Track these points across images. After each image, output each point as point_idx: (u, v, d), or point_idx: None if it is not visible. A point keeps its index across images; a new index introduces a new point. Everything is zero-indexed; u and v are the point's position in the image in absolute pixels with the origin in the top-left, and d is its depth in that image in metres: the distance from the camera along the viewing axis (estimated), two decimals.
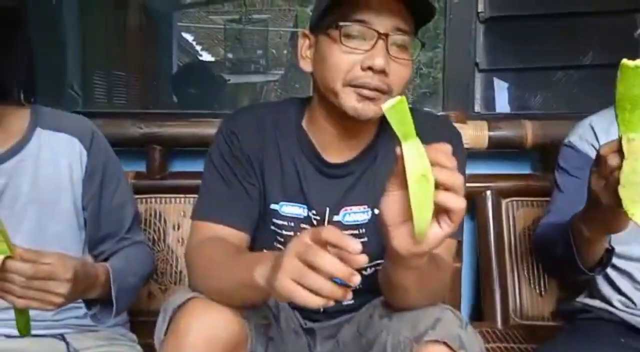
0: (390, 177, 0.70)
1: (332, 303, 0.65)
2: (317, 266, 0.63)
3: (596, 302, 1.11)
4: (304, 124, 1.02)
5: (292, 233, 1.01)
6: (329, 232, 0.64)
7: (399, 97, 0.64)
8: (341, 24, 0.88)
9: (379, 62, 0.86)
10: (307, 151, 1.01)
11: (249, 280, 0.77)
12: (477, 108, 1.60)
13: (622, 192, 0.71)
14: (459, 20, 1.57)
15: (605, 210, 0.81)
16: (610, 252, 0.98)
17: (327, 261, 0.63)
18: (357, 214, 1.01)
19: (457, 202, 0.64)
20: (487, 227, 1.51)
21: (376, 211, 0.98)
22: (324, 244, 0.65)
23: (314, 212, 1.00)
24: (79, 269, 0.86)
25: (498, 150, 1.51)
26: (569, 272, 1.08)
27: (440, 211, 0.65)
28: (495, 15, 1.56)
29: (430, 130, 0.95)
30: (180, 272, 1.53)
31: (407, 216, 0.67)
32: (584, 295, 1.16)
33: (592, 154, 1.03)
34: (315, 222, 1.00)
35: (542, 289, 1.48)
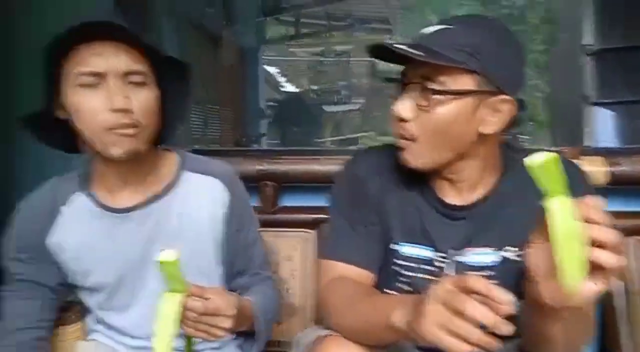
0: (535, 229, 0.71)
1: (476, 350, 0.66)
2: (466, 313, 0.64)
3: None
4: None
5: (413, 274, 1.03)
6: (476, 281, 0.66)
7: (551, 155, 0.65)
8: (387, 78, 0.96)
9: (396, 108, 0.92)
10: (428, 193, 1.03)
11: (387, 322, 0.81)
12: (587, 142, 1.57)
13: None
14: (566, 54, 1.57)
15: None
16: None
17: (477, 309, 0.65)
18: (483, 255, 1.01)
19: (612, 260, 0.64)
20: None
21: (505, 254, 1.00)
22: (468, 292, 0.67)
23: (438, 253, 1.02)
24: (237, 305, 0.94)
25: (615, 186, 1.47)
26: None
27: (595, 267, 0.65)
28: (603, 48, 1.54)
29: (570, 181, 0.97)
30: (292, 304, 1.58)
31: (556, 268, 0.66)
32: None
33: None
34: (438, 263, 1.02)
35: None
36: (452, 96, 0.89)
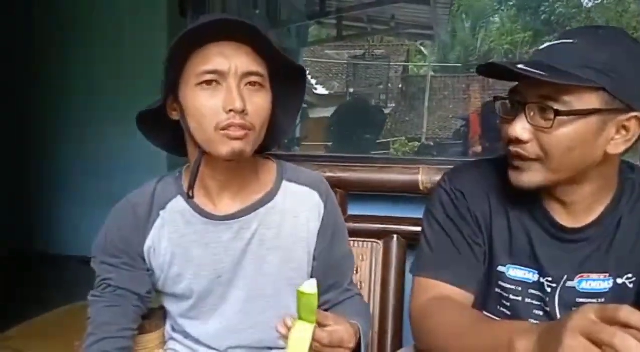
0: None
1: None
2: (616, 348, 0.57)
3: None
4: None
5: (519, 298, 0.99)
6: (629, 314, 0.59)
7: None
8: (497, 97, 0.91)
9: (512, 130, 0.87)
10: (539, 214, 0.97)
11: (506, 351, 0.73)
12: None
13: None
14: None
15: None
16: None
17: (628, 342, 0.57)
18: (595, 281, 0.96)
19: None
20: None
21: (619, 281, 0.95)
22: (614, 324, 0.60)
23: (547, 278, 0.97)
24: (355, 335, 0.92)
25: None
26: None
27: None
28: None
29: None
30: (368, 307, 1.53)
31: None
32: None
33: None
34: (547, 288, 0.97)
35: None
36: (577, 116, 0.83)
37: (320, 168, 1.59)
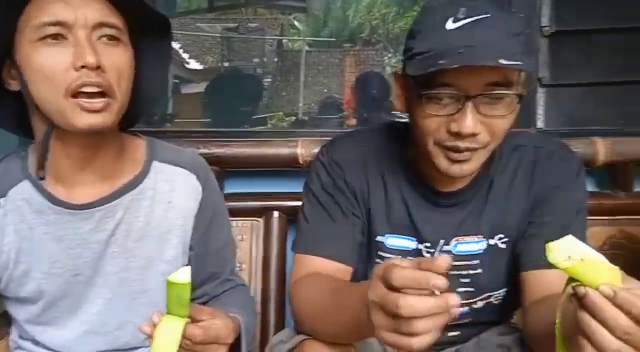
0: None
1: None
2: (402, 314, 0.55)
3: None
4: (409, 154, 0.97)
5: None
6: (401, 277, 0.55)
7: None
8: (424, 92, 0.81)
9: (467, 127, 0.80)
10: (415, 181, 0.97)
11: (364, 321, 0.66)
12: (540, 125, 1.56)
13: None
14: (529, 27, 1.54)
15: None
16: None
17: (411, 302, 0.55)
18: (470, 244, 0.97)
19: None
20: None
21: (492, 242, 0.97)
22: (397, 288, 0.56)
23: (426, 244, 0.97)
24: (235, 330, 0.83)
25: None
26: None
27: None
28: (560, 30, 1.53)
29: (544, 165, 0.95)
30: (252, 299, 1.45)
31: None
32: None
33: None
34: (426, 254, 0.97)
35: None
36: (519, 98, 0.82)
37: (194, 145, 1.46)
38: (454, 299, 0.55)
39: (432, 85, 0.80)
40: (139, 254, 0.93)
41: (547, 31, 1.53)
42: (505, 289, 0.99)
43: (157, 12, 0.89)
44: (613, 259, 1.53)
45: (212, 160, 1.45)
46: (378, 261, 0.99)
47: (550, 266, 0.75)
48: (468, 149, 0.83)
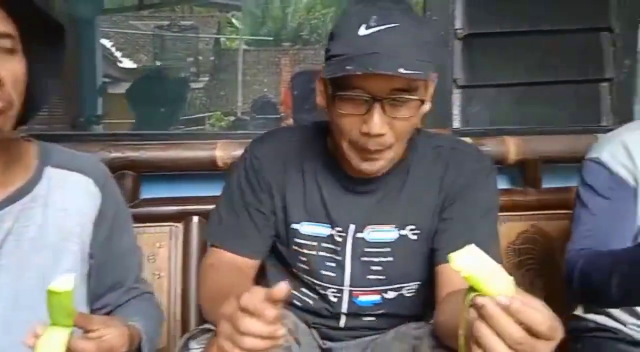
0: None
1: None
2: (241, 330, 0.66)
3: (609, 322, 1.11)
4: (328, 145, 1.04)
5: (314, 252, 1.03)
6: (247, 302, 0.66)
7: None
8: (337, 93, 0.87)
9: (374, 127, 0.86)
10: (332, 171, 1.02)
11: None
12: (455, 124, 1.61)
13: None
14: (438, 38, 1.57)
15: None
16: None
17: (248, 324, 0.65)
18: (383, 232, 1.01)
19: None
20: None
21: (403, 232, 1.01)
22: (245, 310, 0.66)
23: (338, 230, 1.01)
24: (130, 340, 0.80)
25: None
26: (623, 301, 1.00)
27: None
28: (473, 33, 1.58)
29: (456, 163, 1.01)
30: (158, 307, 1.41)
31: None
32: (593, 313, 1.15)
33: (627, 178, 1.05)
34: (339, 239, 1.01)
35: None
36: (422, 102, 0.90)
37: (105, 148, 1.40)
38: (280, 332, 0.66)
39: (344, 87, 0.86)
40: (32, 265, 0.87)
41: (461, 33, 1.57)
42: (417, 282, 1.03)
43: (52, 17, 0.85)
44: (525, 253, 1.60)
45: (126, 164, 1.41)
46: (294, 247, 1.04)
47: None
48: (377, 150, 0.89)
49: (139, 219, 1.42)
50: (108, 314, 0.96)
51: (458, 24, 1.57)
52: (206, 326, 0.95)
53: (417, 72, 0.81)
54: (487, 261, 0.58)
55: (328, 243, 1.02)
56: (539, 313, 0.53)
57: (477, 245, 0.86)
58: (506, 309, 0.54)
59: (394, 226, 1.00)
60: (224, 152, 1.43)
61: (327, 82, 0.91)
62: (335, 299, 1.04)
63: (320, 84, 0.95)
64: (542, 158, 1.53)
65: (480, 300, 0.56)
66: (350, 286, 1.02)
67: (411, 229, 1.01)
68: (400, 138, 0.91)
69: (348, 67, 0.82)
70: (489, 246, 0.91)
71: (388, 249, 1.00)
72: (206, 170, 1.45)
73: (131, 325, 0.83)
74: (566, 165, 1.50)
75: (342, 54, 0.85)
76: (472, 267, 0.58)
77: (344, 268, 1.02)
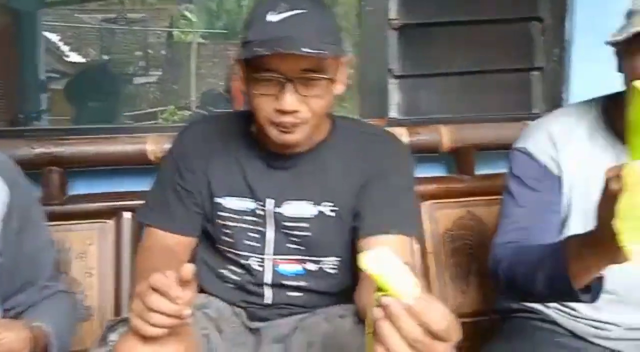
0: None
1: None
2: (150, 307, 0.72)
3: (533, 303, 1.12)
4: (252, 129, 1.10)
5: (237, 224, 1.08)
6: (156, 281, 0.72)
7: None
8: (253, 75, 0.95)
9: (286, 105, 0.93)
10: (254, 148, 1.08)
11: None
12: (392, 114, 1.62)
13: (619, 224, 0.63)
14: (372, 28, 1.58)
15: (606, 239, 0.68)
16: (601, 278, 0.85)
17: (156, 302, 0.71)
18: (301, 208, 1.06)
19: None
20: None
21: (320, 208, 1.06)
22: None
23: (259, 203, 1.07)
24: (31, 340, 0.77)
25: (416, 155, 1.53)
26: (550, 297, 0.99)
27: None
28: (407, 23, 1.58)
29: (374, 148, 1.08)
30: (89, 307, 1.37)
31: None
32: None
33: (552, 167, 1.04)
34: (260, 213, 1.07)
35: (465, 286, 1.54)
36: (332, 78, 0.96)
37: (28, 144, 1.35)
38: (186, 312, 0.72)
39: (258, 70, 0.93)
40: None
41: (395, 24, 1.58)
42: (337, 258, 1.09)
43: None
44: (461, 239, 1.62)
45: (50, 160, 1.37)
46: (219, 220, 1.09)
47: (383, 233, 0.96)
48: (293, 124, 0.96)
49: (68, 216, 1.39)
50: (20, 314, 0.92)
51: (392, 14, 1.57)
52: (125, 316, 0.95)
53: (321, 51, 0.89)
54: (395, 262, 0.60)
55: (250, 216, 1.07)
56: (439, 315, 0.56)
57: (395, 223, 0.99)
58: (409, 310, 0.56)
59: (312, 202, 1.06)
60: (156, 146, 1.40)
61: (244, 67, 0.98)
62: (259, 268, 1.09)
63: (239, 69, 1.02)
64: (475, 146, 1.56)
65: (385, 300, 0.58)
66: (273, 254, 1.08)
67: (328, 206, 1.06)
68: (315, 114, 0.97)
69: (259, 49, 0.89)
70: (407, 223, 1.02)
71: (306, 224, 1.06)
72: (138, 165, 1.42)
73: (36, 327, 0.80)
74: (499, 152, 1.52)
75: (255, 39, 0.92)
76: (381, 268, 0.60)
77: (265, 238, 1.08)
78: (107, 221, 1.40)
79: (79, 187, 1.44)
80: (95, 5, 1.78)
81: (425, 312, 0.56)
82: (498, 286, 1.09)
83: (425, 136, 1.53)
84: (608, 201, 0.66)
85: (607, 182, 0.67)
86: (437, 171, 1.65)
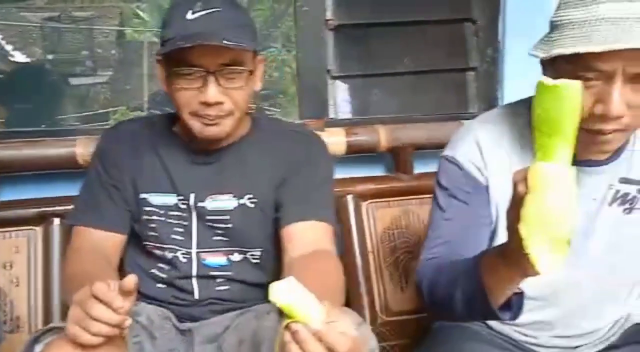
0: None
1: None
2: (91, 315, 0.74)
3: None
4: (176, 128, 1.14)
5: (162, 219, 1.11)
6: (97, 290, 0.74)
7: None
8: (174, 70, 0.99)
9: (210, 97, 0.98)
10: (177, 145, 1.12)
11: None
12: (331, 114, 1.62)
13: (524, 229, 0.60)
14: (309, 28, 1.58)
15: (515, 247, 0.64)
16: (521, 294, 0.82)
17: (99, 311, 0.74)
18: (222, 201, 1.10)
19: None
20: (350, 230, 1.52)
21: (241, 201, 1.10)
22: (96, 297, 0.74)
23: (183, 199, 1.10)
24: None
25: (355, 155, 1.55)
26: (470, 317, 0.94)
27: None
28: (343, 23, 1.59)
29: (292, 145, 1.13)
30: (18, 317, 1.32)
31: None
32: None
33: (479, 177, 0.97)
34: (183, 207, 1.10)
35: (403, 284, 1.56)
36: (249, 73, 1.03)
37: None
38: (127, 322, 0.76)
39: (180, 65, 0.98)
40: None
41: (332, 24, 1.58)
42: (260, 249, 1.13)
43: None
44: (400, 237, 1.64)
45: None
46: (144, 216, 1.11)
47: (302, 220, 1.04)
48: (217, 116, 1.01)
49: None
50: None
51: (329, 14, 1.58)
52: (51, 325, 0.96)
53: (240, 44, 0.96)
54: (301, 290, 0.67)
55: (174, 211, 1.11)
56: (343, 338, 0.64)
57: (314, 211, 1.05)
58: (315, 334, 0.64)
59: (233, 195, 1.10)
60: (85, 149, 1.36)
61: (164, 64, 1.03)
62: (184, 260, 1.11)
63: (159, 69, 1.06)
64: (412, 145, 1.58)
65: (294, 326, 0.65)
66: (197, 247, 1.11)
67: (249, 198, 1.10)
68: (238, 106, 1.02)
69: (179, 43, 0.94)
70: (325, 212, 1.08)
71: (227, 217, 1.10)
72: (66, 169, 1.38)
73: None
74: (435, 151, 1.54)
75: (176, 35, 0.97)
76: (288, 297, 0.66)
77: (190, 232, 1.11)
78: (35, 227, 1.35)
79: (5, 194, 1.39)
80: (41, 3, 1.73)
81: (330, 336, 0.64)
82: (424, 303, 1.01)
83: (363, 136, 1.54)
84: (516, 205, 0.63)
85: (514, 185, 0.64)
86: (375, 171, 1.66)
